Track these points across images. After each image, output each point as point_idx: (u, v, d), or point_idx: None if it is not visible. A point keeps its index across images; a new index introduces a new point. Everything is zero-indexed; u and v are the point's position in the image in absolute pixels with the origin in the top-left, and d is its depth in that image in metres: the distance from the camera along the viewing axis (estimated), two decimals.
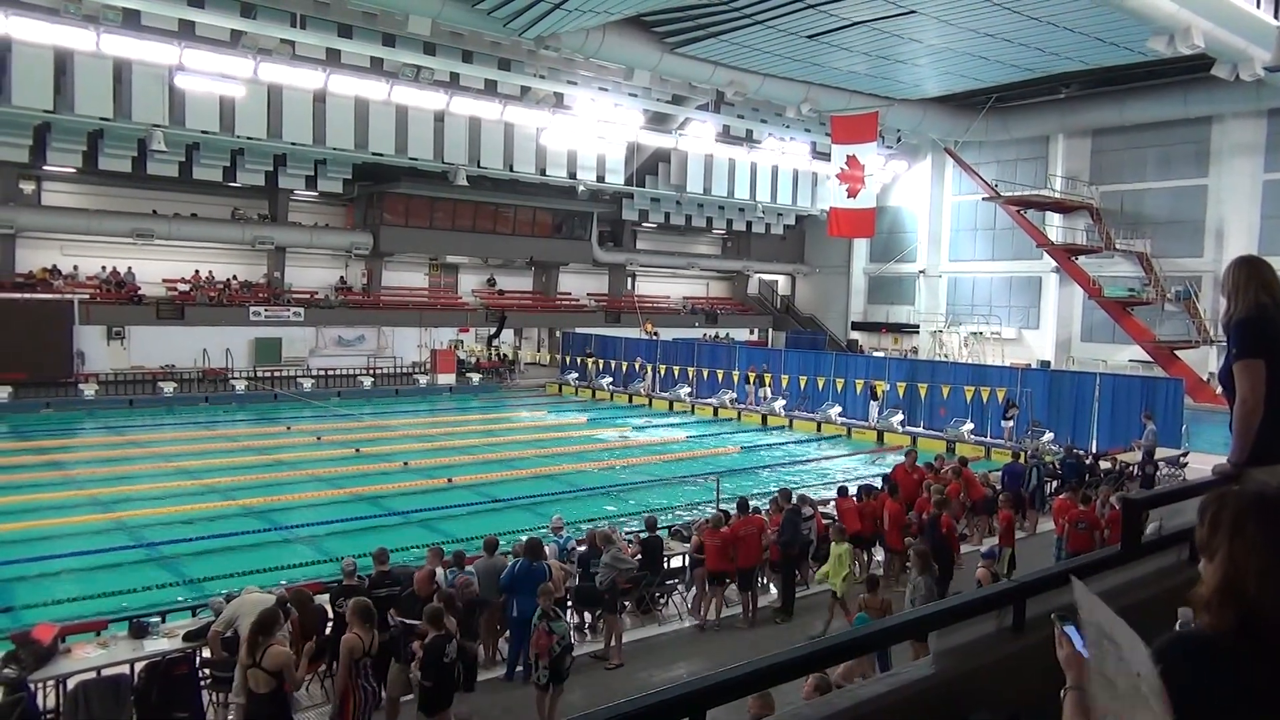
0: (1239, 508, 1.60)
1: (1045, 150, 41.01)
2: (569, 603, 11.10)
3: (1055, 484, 17.90)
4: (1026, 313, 42.00)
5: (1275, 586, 1.50)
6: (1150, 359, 35.19)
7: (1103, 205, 38.37)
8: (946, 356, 39.63)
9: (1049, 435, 23.81)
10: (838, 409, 29.09)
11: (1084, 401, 24.58)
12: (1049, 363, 37.98)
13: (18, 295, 29.35)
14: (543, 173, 37.79)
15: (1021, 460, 18.59)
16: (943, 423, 26.43)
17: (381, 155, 33.32)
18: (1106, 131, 38.79)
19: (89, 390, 28.86)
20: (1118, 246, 37.04)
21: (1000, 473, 17.47)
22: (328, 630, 9.05)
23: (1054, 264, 39.09)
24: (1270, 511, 1.57)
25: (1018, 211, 38.66)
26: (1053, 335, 40.71)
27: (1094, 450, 21.74)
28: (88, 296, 30.85)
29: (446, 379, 35.59)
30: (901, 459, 16.33)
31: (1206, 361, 33.86)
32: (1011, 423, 24.62)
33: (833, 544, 11.68)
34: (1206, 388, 30.98)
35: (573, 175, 38.64)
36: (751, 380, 31.42)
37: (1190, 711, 1.45)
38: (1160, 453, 19.76)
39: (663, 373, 34.84)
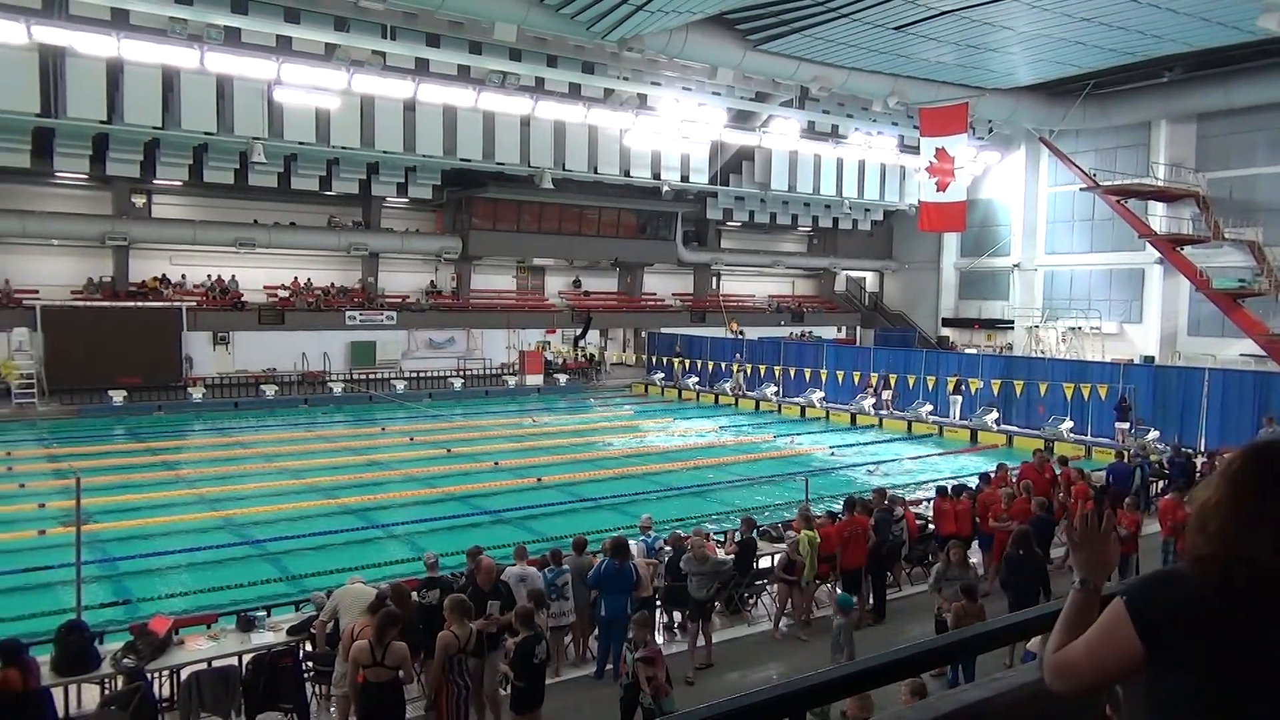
0: (1239, 453, 1.72)
1: (1147, 137, 39.33)
2: (658, 602, 11.14)
3: (1163, 484, 17.21)
4: (1128, 306, 40.38)
5: (1244, 524, 1.62)
6: (1264, 353, 33.45)
7: (1209, 193, 36.58)
8: (1043, 353, 38.40)
9: (1154, 433, 22.89)
10: (929, 407, 28.51)
11: (1192, 398, 23.56)
12: (1153, 358, 36.44)
13: (132, 304, 30.90)
14: (627, 174, 37.96)
15: (1126, 459, 17.90)
16: (1041, 420, 25.65)
17: (469, 161, 33.94)
18: (1213, 115, 36.98)
19: (197, 393, 30.16)
20: (1226, 235, 35.26)
21: (1105, 472, 16.87)
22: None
23: (1157, 255, 37.44)
24: (1262, 456, 1.68)
25: (1118, 201, 37.17)
26: (1157, 329, 39.03)
27: (1203, 449, 20.81)
28: (195, 304, 32.27)
29: (534, 380, 36.07)
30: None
31: None
32: (1128, 424, 23.60)
33: (806, 530, 11.48)
34: None
35: (657, 176, 38.70)
36: (891, 384, 30.41)
37: (1153, 634, 1.63)
38: None
39: (749, 372, 34.65)
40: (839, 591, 12.08)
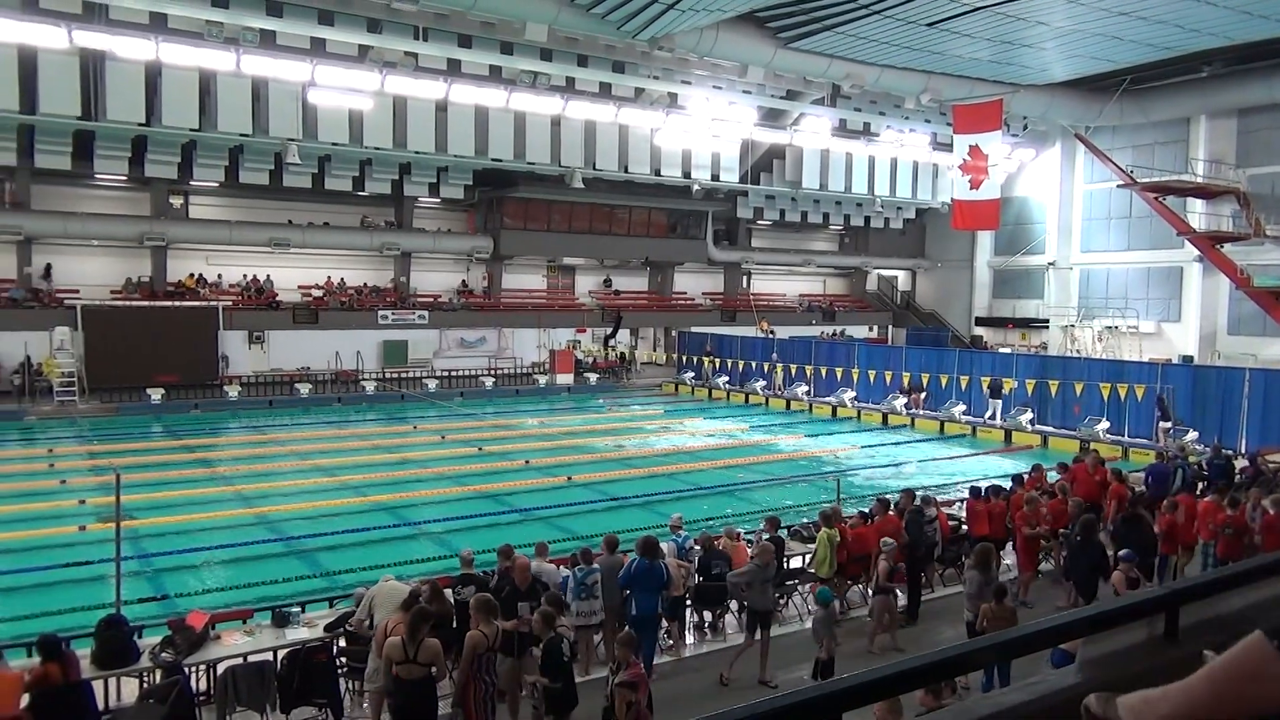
0: None
1: (1186, 133, 38.70)
2: (688, 601, 11.12)
3: (1201, 486, 16.90)
4: (1166, 305, 39.75)
5: None
6: None
7: (1251, 189, 35.94)
8: (1079, 352, 37.92)
9: (1193, 434, 22.52)
10: (961, 407, 28.23)
11: (1232, 399, 23.14)
12: (1192, 358, 35.85)
13: (169, 303, 31.38)
14: (657, 173, 37.95)
15: (1166, 460, 17.62)
16: (1077, 421, 25.31)
17: (500, 161, 34.10)
18: (1254, 110, 36.30)
19: (233, 391, 30.55)
20: (1268, 233, 34.62)
21: (1144, 473, 16.61)
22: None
23: (1196, 253, 36.85)
24: None
25: (1156, 198, 36.62)
26: (1196, 328, 38.41)
27: (1243, 450, 20.43)
28: (230, 303, 32.70)
29: (565, 379, 36.17)
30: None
31: None
32: (1169, 424, 23.21)
33: (825, 529, 11.43)
34: None
35: (687, 175, 38.66)
36: (924, 384, 30.12)
37: None
38: None
39: (785, 372, 34.47)
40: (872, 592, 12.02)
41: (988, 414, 27.70)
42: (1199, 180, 36.26)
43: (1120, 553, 10.42)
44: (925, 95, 34.36)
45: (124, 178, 31.31)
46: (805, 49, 30.76)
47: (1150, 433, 23.95)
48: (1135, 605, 2.18)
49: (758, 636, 10.00)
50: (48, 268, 31.18)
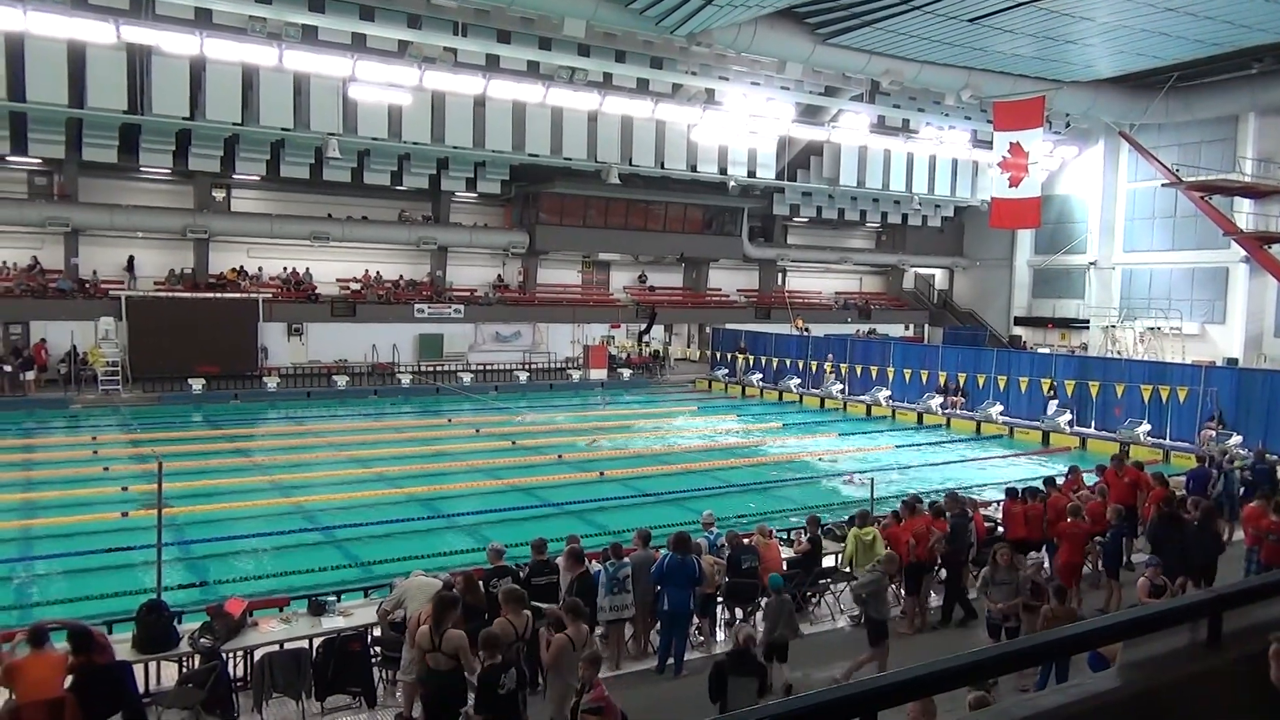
0: None
1: (1234, 131, 37.87)
2: (719, 599, 11.11)
3: (1244, 490, 16.58)
4: (1211, 306, 38.97)
5: None
6: None
7: None
8: (1120, 353, 37.31)
9: (1237, 438, 22.07)
10: (999, 408, 27.89)
11: (1278, 403, 22.64)
12: (1237, 360, 35.13)
13: (211, 295, 31.90)
14: (694, 169, 37.83)
15: (1209, 464, 17.31)
16: (1117, 423, 24.91)
17: (537, 156, 34.19)
18: None
19: (271, 383, 30.96)
20: None
21: (1185, 477, 16.35)
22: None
23: (1243, 254, 36.07)
24: None
25: (1202, 198, 35.86)
26: (1241, 330, 37.62)
27: None
28: (271, 295, 33.16)
29: (598, 374, 36.23)
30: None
31: None
32: (1213, 433, 22.74)
33: (854, 528, 11.40)
34: None
35: (724, 171, 38.50)
36: (960, 383, 29.83)
37: None
38: None
39: (814, 369, 34.28)
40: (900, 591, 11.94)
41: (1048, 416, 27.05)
42: (1247, 179, 35.47)
43: (1146, 558, 10.29)
44: (966, 92, 33.90)
45: (168, 171, 31.85)
46: (844, 45, 30.48)
47: (1193, 436, 23.50)
48: (1178, 609, 2.14)
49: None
50: (130, 260, 32.03)
